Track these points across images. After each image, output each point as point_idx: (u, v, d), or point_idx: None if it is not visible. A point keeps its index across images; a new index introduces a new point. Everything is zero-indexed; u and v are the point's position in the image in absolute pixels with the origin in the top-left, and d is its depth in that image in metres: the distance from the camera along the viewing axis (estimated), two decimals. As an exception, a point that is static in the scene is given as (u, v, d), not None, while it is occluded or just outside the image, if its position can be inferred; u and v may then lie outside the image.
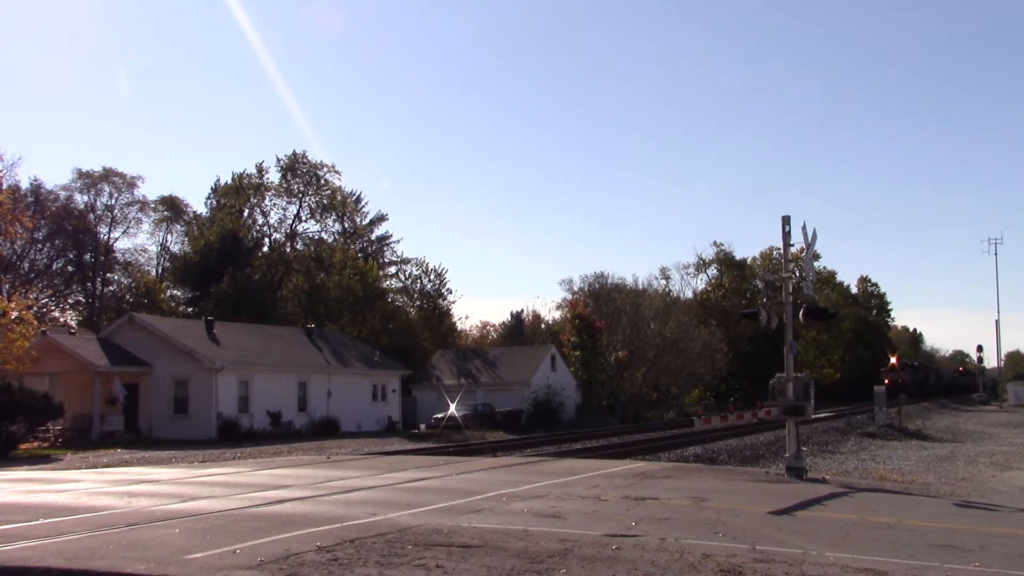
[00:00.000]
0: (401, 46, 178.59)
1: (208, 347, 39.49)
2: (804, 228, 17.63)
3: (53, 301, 62.86)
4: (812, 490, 14.10)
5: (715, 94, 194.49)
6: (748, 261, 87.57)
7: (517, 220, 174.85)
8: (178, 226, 72.37)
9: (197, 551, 8.25)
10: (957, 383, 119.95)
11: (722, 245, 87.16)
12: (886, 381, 67.01)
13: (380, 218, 76.34)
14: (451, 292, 73.86)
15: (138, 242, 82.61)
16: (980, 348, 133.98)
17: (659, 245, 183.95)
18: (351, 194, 74.24)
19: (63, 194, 62.49)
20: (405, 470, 17.61)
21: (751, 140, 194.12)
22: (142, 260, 69.11)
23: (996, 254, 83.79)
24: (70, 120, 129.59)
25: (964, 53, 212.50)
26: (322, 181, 71.23)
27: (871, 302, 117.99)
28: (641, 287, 69.64)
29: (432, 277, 72.95)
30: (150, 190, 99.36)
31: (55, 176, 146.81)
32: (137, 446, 32.10)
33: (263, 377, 40.25)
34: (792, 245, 17.72)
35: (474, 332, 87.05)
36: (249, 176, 71.10)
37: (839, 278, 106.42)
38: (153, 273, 69.59)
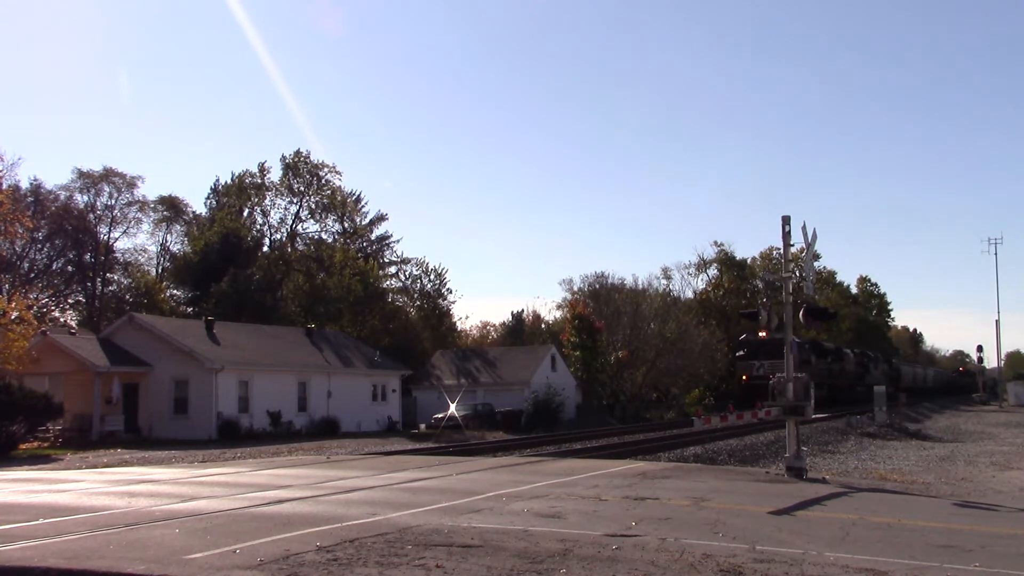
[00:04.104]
0: (401, 46, 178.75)
1: (208, 347, 39.49)
2: (804, 228, 17.64)
3: (53, 301, 62.94)
4: (812, 490, 14.08)
5: (715, 94, 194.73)
6: (748, 261, 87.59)
7: (517, 220, 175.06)
8: (178, 226, 72.45)
9: (197, 551, 8.25)
10: (957, 383, 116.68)
11: (722, 245, 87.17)
12: (743, 378, 44.22)
13: (380, 218, 76.45)
14: (451, 292, 74.00)
15: (138, 242, 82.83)
16: (980, 348, 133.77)
17: (659, 245, 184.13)
18: (351, 194, 74.34)
19: (63, 194, 62.64)
20: (405, 470, 17.59)
21: (751, 140, 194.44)
22: (142, 260, 69.24)
23: (996, 254, 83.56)
24: (70, 120, 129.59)
25: (964, 53, 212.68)
26: (323, 181, 71.34)
27: (871, 302, 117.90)
28: (641, 287, 69.65)
29: (432, 277, 73.04)
30: (150, 190, 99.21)
31: (55, 176, 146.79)
32: (137, 446, 32.12)
33: (263, 377, 40.25)
34: (792, 245, 17.71)
35: (474, 332, 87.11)
36: (252, 175, 71.18)
37: (839, 278, 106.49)
38: (153, 273, 69.62)
